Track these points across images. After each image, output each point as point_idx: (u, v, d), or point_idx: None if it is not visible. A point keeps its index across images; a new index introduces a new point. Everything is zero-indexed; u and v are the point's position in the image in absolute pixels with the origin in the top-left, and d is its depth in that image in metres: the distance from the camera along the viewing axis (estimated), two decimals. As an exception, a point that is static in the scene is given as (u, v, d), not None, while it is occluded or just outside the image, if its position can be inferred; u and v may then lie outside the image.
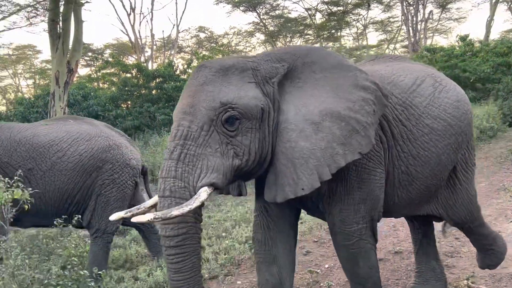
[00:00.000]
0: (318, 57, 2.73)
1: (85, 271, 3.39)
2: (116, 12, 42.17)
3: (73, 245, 3.75)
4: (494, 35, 26.16)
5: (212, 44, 30.15)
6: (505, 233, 4.94)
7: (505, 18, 50.56)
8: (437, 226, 3.89)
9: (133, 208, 2.56)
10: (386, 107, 2.81)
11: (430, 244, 3.75)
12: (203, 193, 2.35)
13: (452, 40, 26.73)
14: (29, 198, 3.31)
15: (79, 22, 11.12)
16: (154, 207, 2.54)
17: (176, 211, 2.26)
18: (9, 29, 14.92)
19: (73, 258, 3.41)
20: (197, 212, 2.41)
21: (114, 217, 2.52)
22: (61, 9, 10.88)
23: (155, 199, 2.53)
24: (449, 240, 4.98)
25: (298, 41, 32.13)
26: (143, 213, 2.53)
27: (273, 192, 2.60)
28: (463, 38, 17.10)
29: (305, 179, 2.52)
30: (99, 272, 3.67)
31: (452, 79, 3.49)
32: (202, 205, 2.39)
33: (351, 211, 2.82)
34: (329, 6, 28.13)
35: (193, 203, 2.29)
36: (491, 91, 14.32)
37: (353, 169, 2.76)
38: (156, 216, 2.26)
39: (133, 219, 2.38)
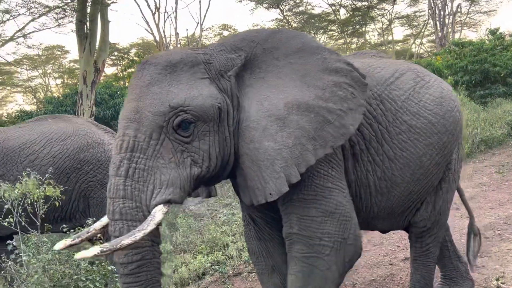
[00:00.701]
0: (280, 41, 2.40)
1: (113, 267, 3.46)
2: (141, 11, 42.69)
3: (100, 241, 3.83)
4: (526, 28, 25.19)
5: (235, 42, 30.23)
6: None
7: (538, 10, 48.92)
8: (450, 223, 3.79)
9: (82, 231, 2.27)
10: (367, 87, 2.44)
11: (446, 246, 3.58)
12: (158, 213, 2.06)
13: (482, 34, 25.97)
14: (60, 195, 3.39)
15: (105, 22, 11.35)
16: (106, 228, 2.25)
17: (127, 240, 1.97)
18: (39, 30, 15.38)
19: (101, 253, 3.48)
20: (153, 234, 2.11)
21: (60, 245, 2.19)
22: (88, 10, 11.12)
23: (106, 219, 2.24)
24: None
25: (322, 37, 31.85)
26: (93, 236, 2.23)
27: (247, 195, 2.36)
28: (493, 32, 16.57)
29: (272, 184, 2.23)
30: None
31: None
32: (159, 225, 2.13)
33: (314, 222, 2.40)
34: (354, 1, 27.76)
35: (147, 227, 2.01)
36: (523, 86, 13.85)
37: (315, 175, 2.40)
38: (104, 249, 1.97)
39: (77, 256, 2.02)
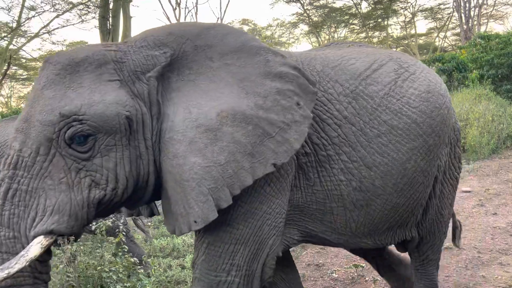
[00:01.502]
0: (215, 38, 2.06)
1: (135, 258, 3.53)
2: (162, 7, 43.27)
3: (123, 233, 3.90)
4: (556, 20, 24.36)
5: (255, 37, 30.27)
6: None
7: None
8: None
9: None
10: (316, 95, 2.14)
11: (390, 256, 3.25)
12: (34, 248, 1.70)
13: (509, 26, 25.27)
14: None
15: (127, 18, 11.51)
16: None
17: None
18: (63, 26, 15.71)
19: (123, 245, 3.55)
20: (37, 269, 1.79)
21: None
22: (111, 6, 11.30)
23: None
24: (504, 237, 4.75)
25: (342, 31, 31.53)
26: None
27: (171, 223, 1.99)
28: (521, 24, 16.07)
29: (197, 209, 1.86)
30: (148, 260, 3.80)
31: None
32: (46, 258, 1.82)
33: (225, 252, 2.06)
34: (376, -6, 27.35)
35: (14, 266, 1.65)
36: (552, 80, 13.41)
37: (244, 191, 2.02)
38: None
39: None
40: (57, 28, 19.17)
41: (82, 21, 15.41)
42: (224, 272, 2.08)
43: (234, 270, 2.08)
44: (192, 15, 28.62)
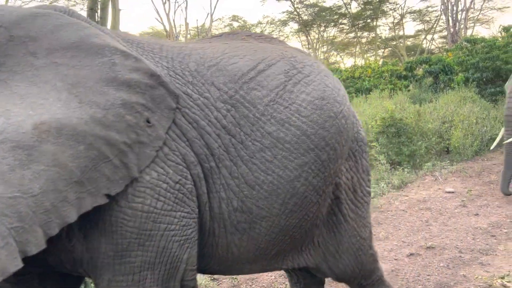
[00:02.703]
0: (43, 29, 1.62)
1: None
2: (151, 0, 42.94)
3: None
4: (540, 26, 24.87)
5: (245, 33, 30.33)
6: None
7: (553, 7, 47.89)
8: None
9: None
10: (176, 112, 1.82)
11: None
12: None
13: (494, 30, 25.69)
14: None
15: (116, 11, 11.36)
16: None
17: None
18: (50, 17, 15.50)
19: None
20: None
21: None
22: (99, -2, 11.20)
23: None
24: (485, 238, 4.85)
25: (332, 31, 31.68)
26: None
27: None
28: (506, 29, 16.34)
29: None
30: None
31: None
32: None
33: (128, 284, 1.76)
34: (365, -5, 27.57)
35: None
36: (536, 85, 13.66)
37: (127, 214, 1.69)
38: None
39: None
40: (44, 18, 18.93)
41: (70, 12, 15.27)
42: None
43: None
44: (182, 10, 28.48)
